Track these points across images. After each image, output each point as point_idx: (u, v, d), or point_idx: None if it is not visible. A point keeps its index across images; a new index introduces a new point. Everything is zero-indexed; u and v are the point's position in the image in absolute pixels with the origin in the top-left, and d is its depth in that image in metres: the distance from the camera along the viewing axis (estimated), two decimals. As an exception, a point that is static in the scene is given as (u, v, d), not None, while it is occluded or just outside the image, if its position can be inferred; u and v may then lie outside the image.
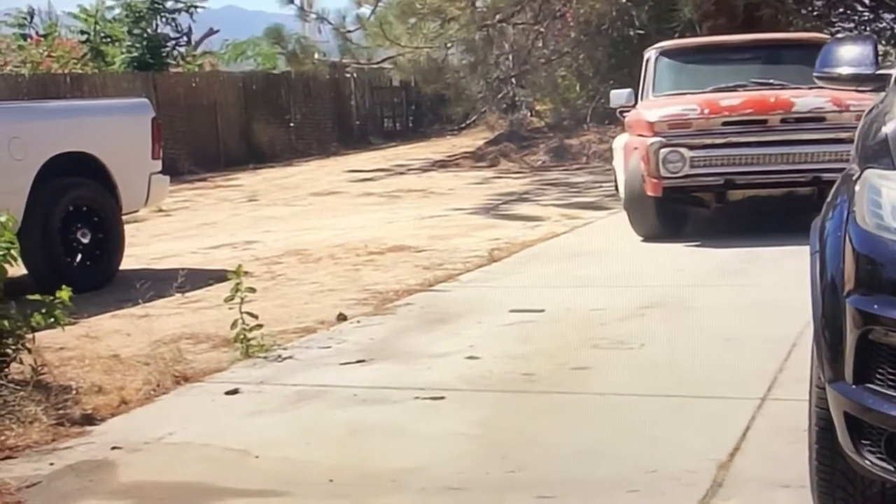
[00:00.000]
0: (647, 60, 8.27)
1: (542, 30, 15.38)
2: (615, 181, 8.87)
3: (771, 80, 7.62)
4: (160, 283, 6.07)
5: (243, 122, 19.23)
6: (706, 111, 7.12)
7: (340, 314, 5.54)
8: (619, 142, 8.56)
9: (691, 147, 6.95)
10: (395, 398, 4.01)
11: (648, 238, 7.34)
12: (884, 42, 13.62)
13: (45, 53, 18.44)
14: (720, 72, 7.90)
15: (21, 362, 4.16)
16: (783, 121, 7.02)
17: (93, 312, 5.69)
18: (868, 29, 15.37)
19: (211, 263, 7.59)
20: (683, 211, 7.51)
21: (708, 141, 6.99)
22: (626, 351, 4.52)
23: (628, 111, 8.16)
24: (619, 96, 8.40)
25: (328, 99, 21.43)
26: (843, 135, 6.45)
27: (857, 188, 2.32)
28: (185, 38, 20.67)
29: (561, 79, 16.04)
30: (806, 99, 7.04)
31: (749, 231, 7.46)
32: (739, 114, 7.08)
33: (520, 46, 15.75)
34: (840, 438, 2.26)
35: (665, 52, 8.13)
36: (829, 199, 2.53)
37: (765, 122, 7.03)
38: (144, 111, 7.63)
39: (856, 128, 4.97)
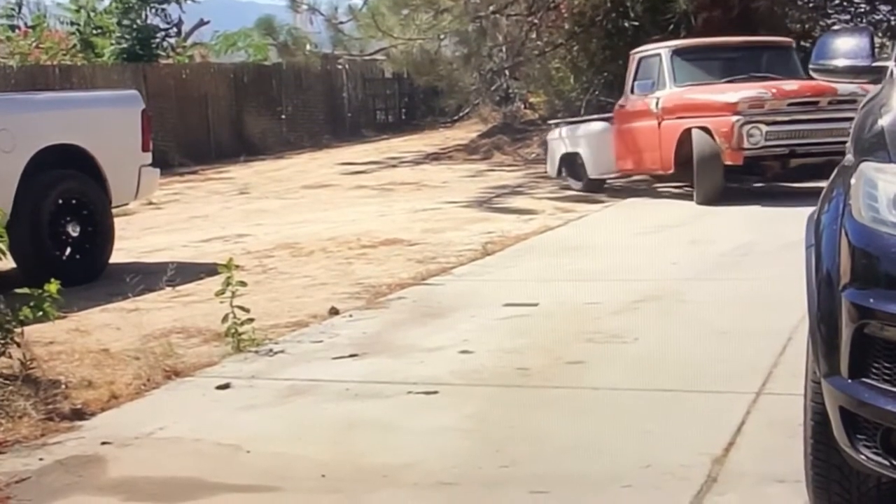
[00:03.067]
0: (658, 57, 9.82)
1: (535, 21, 15.34)
2: (550, 163, 11.16)
3: (766, 73, 9.45)
4: (150, 276, 6.04)
5: (234, 114, 19.15)
6: (776, 94, 8.72)
7: (332, 308, 5.51)
8: (555, 133, 11.05)
9: (767, 123, 8.51)
10: (388, 393, 3.99)
11: (710, 202, 8.75)
12: (880, 34, 13.61)
13: (34, 45, 18.33)
14: (720, 66, 9.69)
15: (10, 356, 4.12)
16: (830, 102, 8.56)
17: (82, 306, 5.66)
18: (864, 21, 15.37)
19: (202, 257, 7.55)
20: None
21: (778, 118, 8.57)
22: (621, 345, 4.50)
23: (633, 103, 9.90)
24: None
25: (320, 91, 21.36)
26: (845, 113, 7.66)
27: (852, 181, 2.30)
28: (175, 30, 20.55)
29: (555, 71, 16.00)
30: (844, 85, 8.00)
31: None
32: (801, 96, 8.68)
33: (513, 38, 15.70)
34: (835, 433, 2.25)
35: (677, 51, 9.80)
36: (824, 192, 2.52)
37: (817, 103, 8.62)
38: (134, 103, 7.57)
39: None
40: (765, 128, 8.51)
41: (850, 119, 7.54)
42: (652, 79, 9.67)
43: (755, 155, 8.59)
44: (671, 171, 9.42)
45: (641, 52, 10.28)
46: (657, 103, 9.47)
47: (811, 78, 9.03)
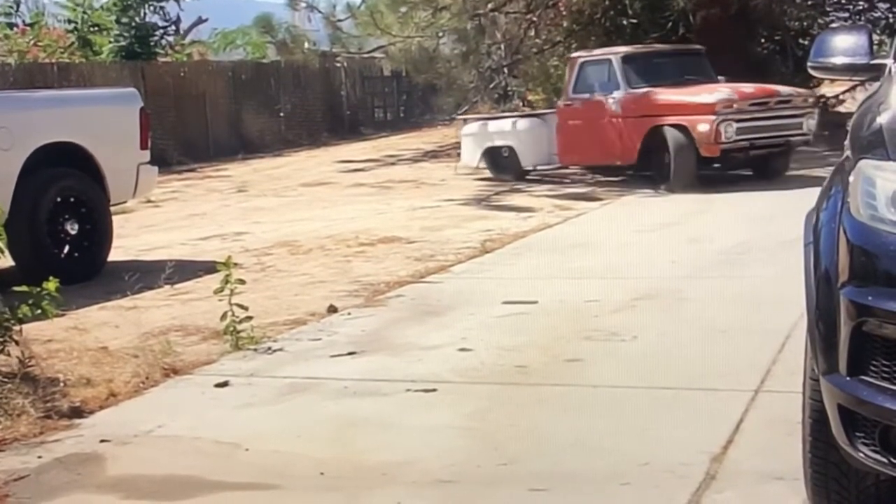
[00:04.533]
0: (608, 63, 11.01)
1: (534, 19, 15.32)
2: (468, 155, 12.27)
3: (692, 76, 10.97)
4: (149, 274, 6.03)
5: (232, 112, 19.13)
6: (739, 95, 10.16)
7: (331, 306, 5.51)
8: (472, 128, 12.32)
9: (736, 121, 9.90)
10: (387, 390, 3.99)
11: (685, 189, 9.83)
12: (878, 32, 13.62)
13: (32, 42, 18.29)
14: (659, 70, 11.06)
15: (8, 354, 4.12)
16: (776, 102, 10.24)
17: (81, 304, 5.65)
18: (863, 19, 15.37)
19: (200, 255, 7.54)
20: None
21: (743, 116, 9.98)
22: (620, 343, 4.50)
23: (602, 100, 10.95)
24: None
25: (318, 89, 21.34)
26: (797, 112, 10.29)
27: (851, 179, 2.30)
28: (173, 27, 20.54)
29: (553, 68, 15.98)
30: (783, 88, 10.65)
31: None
32: (757, 98, 10.20)
33: (512, 36, 15.68)
34: (834, 431, 2.25)
35: (625, 58, 11.03)
36: (822, 190, 2.51)
37: (767, 103, 10.19)
38: (132, 101, 7.56)
39: (804, 108, 8.89)
40: (735, 125, 9.91)
41: (790, 116, 9.38)
42: (600, 81, 10.96)
43: (727, 148, 9.96)
44: (633, 163, 10.65)
45: (582, 57, 11.61)
46: (616, 103, 10.71)
47: (728, 80, 10.88)
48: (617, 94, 10.73)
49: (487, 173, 12.13)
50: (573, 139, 11.21)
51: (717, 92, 10.33)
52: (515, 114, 12.82)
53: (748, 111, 10.04)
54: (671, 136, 10.13)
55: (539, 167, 11.79)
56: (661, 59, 11.48)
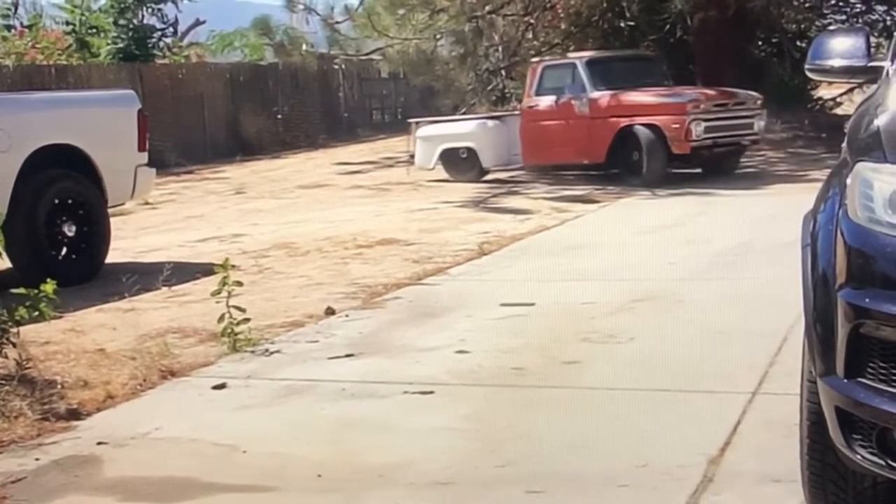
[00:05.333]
0: (572, 67, 11.65)
1: (532, 21, 15.34)
2: (423, 157, 12.62)
3: (649, 80, 11.76)
4: (146, 276, 6.03)
5: (230, 114, 19.12)
6: (706, 98, 11.13)
7: (328, 308, 5.50)
8: (427, 130, 12.76)
9: (703, 120, 10.72)
10: (384, 392, 3.98)
11: (656, 185, 10.50)
12: (876, 34, 13.64)
13: (30, 44, 18.29)
14: (620, 74, 11.72)
15: (5, 356, 4.11)
16: (733, 104, 11.28)
17: (78, 306, 5.65)
18: (860, 21, 15.39)
19: (198, 257, 7.54)
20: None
21: (708, 116, 10.83)
22: (617, 345, 4.51)
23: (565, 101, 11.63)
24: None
25: (316, 91, 21.34)
26: (750, 113, 11.28)
27: (848, 181, 2.30)
28: (171, 29, 20.52)
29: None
30: (738, 91, 11.59)
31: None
32: (718, 100, 11.22)
33: (510, 38, 15.69)
34: (831, 433, 2.25)
35: (589, 62, 11.67)
36: (820, 192, 2.52)
37: (727, 104, 11.21)
38: (130, 103, 7.56)
39: (755, 110, 9.87)
40: (703, 124, 10.73)
41: (744, 117, 10.27)
42: (564, 84, 11.58)
43: (696, 146, 10.74)
44: (601, 161, 11.28)
45: (544, 62, 12.33)
46: (584, 104, 11.36)
47: (679, 84, 12.36)
48: (584, 96, 11.36)
49: (443, 174, 12.51)
50: (538, 140, 11.70)
51: (686, 94, 11.30)
52: (473, 116, 13.22)
53: (713, 111, 10.92)
54: (643, 134, 10.82)
55: (499, 167, 12.31)
56: (622, 64, 12.23)
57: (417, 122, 13.26)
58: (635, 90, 11.36)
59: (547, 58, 12.69)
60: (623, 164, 11.08)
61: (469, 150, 12.19)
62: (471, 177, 12.19)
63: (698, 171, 11.25)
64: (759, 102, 11.48)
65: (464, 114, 14.57)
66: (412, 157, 12.91)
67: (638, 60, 12.73)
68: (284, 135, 19.99)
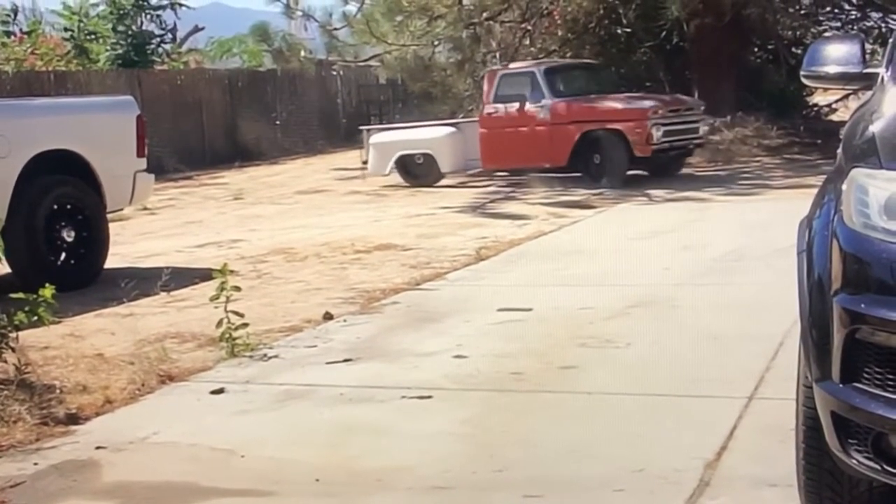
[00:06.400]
0: (530, 76, 12.15)
1: (529, 28, 15.37)
2: (378, 163, 13.00)
3: (603, 89, 12.48)
4: (145, 281, 6.03)
5: (229, 120, 19.14)
6: (663, 104, 11.94)
7: (327, 313, 5.51)
8: (381, 137, 13.20)
9: (662, 125, 11.45)
10: (382, 397, 3.99)
11: (618, 187, 11.05)
12: (871, 41, 13.68)
13: (29, 51, 18.30)
14: (575, 82, 12.48)
15: (5, 361, 4.12)
16: (684, 110, 12.06)
17: (77, 311, 5.66)
18: (855, 28, 15.43)
19: (196, 262, 7.55)
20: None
21: (665, 121, 11.55)
22: (614, 350, 4.52)
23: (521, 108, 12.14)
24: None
25: (314, 97, 21.36)
26: (696, 118, 12.07)
27: (843, 187, 2.31)
28: (170, 36, 20.56)
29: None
30: (687, 97, 12.74)
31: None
32: (672, 106, 12.02)
33: (507, 44, 15.71)
34: (827, 437, 2.26)
35: (547, 71, 12.26)
36: (815, 198, 2.53)
37: (679, 110, 11.97)
38: (129, 109, 7.57)
39: (700, 116, 10.51)
40: (662, 128, 11.41)
41: (692, 122, 10.80)
42: (524, 92, 12.04)
43: (655, 149, 11.38)
44: (563, 165, 11.78)
45: (501, 70, 12.73)
46: (545, 110, 11.87)
47: (629, 91, 13.41)
48: (545, 103, 11.87)
49: (399, 180, 12.89)
50: (498, 145, 12.11)
51: (646, 100, 12.09)
52: (429, 123, 13.66)
53: (668, 117, 11.66)
54: (607, 139, 11.44)
55: (457, 172, 12.76)
56: (576, 72, 12.99)
57: (369, 130, 13.59)
58: (597, 97, 12.03)
59: (501, 66, 13.18)
60: (584, 167, 11.64)
61: (426, 156, 12.61)
62: (427, 182, 12.60)
63: (645, 173, 11.81)
64: (702, 108, 12.24)
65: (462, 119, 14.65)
66: (364, 163, 13.28)
67: (590, 69, 13.44)
68: (283, 140, 20.01)
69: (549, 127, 11.83)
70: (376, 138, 13.20)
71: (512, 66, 13.04)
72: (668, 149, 11.63)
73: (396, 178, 12.91)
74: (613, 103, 11.90)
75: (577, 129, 11.66)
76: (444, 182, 12.75)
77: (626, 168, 11.47)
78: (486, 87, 12.58)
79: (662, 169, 11.86)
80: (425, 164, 12.67)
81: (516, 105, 12.08)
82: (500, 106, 12.23)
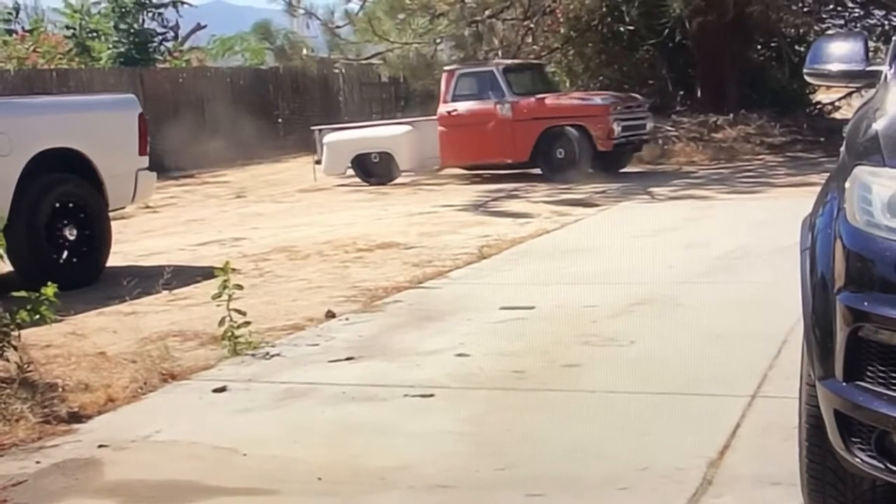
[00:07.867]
0: (490, 74, 12.58)
1: (531, 26, 15.38)
2: (334, 163, 13.22)
3: (550, 88, 13.42)
4: (147, 280, 6.03)
5: (231, 118, 19.12)
6: (620, 101, 12.50)
7: (329, 311, 5.51)
8: (335, 137, 13.35)
9: (620, 121, 12.07)
10: (384, 396, 3.99)
11: (581, 181, 11.46)
12: (874, 38, 13.66)
13: (31, 49, 18.33)
14: (526, 81, 12.95)
15: (7, 360, 4.12)
16: (636, 107, 12.59)
17: (79, 310, 5.66)
18: (858, 25, 15.41)
19: (198, 260, 7.55)
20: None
21: (623, 117, 12.17)
22: (617, 348, 4.51)
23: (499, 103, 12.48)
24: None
25: (316, 95, 21.36)
26: (645, 115, 12.67)
27: (847, 185, 2.30)
28: (171, 34, 20.59)
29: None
30: (637, 95, 13.26)
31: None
32: (627, 103, 12.57)
33: (509, 42, 15.73)
34: (830, 436, 2.25)
35: (505, 70, 12.68)
36: (818, 196, 2.52)
37: (632, 107, 12.52)
38: (131, 107, 7.57)
39: (647, 113, 11.34)
40: (622, 124, 12.00)
41: (641, 118, 11.34)
42: (483, 90, 12.43)
43: (616, 143, 11.95)
44: (524, 160, 12.21)
45: (458, 69, 13.05)
46: (506, 108, 12.25)
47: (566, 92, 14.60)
48: (507, 100, 12.28)
49: (355, 178, 13.17)
50: (459, 142, 12.43)
51: (606, 97, 12.58)
52: (384, 122, 14.01)
53: (625, 113, 12.22)
54: (571, 134, 11.94)
55: (416, 170, 13.03)
56: (528, 72, 13.46)
57: (321, 130, 13.72)
58: (557, 94, 12.70)
59: (458, 66, 13.48)
60: (546, 162, 12.09)
61: (383, 154, 12.85)
62: (384, 180, 12.85)
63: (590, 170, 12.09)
64: (646, 105, 12.89)
65: None
66: (318, 162, 13.43)
67: (537, 69, 13.98)
68: (285, 139, 20.01)
69: (511, 124, 12.18)
70: (330, 138, 13.35)
71: (466, 66, 13.48)
72: (625, 143, 12.18)
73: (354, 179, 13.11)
74: (575, 100, 12.46)
75: (540, 125, 12.05)
76: (401, 179, 12.96)
77: (588, 163, 11.90)
78: (443, 87, 12.81)
79: (614, 163, 12.29)
80: (382, 162, 12.91)
81: (476, 103, 12.43)
82: (459, 104, 12.57)
